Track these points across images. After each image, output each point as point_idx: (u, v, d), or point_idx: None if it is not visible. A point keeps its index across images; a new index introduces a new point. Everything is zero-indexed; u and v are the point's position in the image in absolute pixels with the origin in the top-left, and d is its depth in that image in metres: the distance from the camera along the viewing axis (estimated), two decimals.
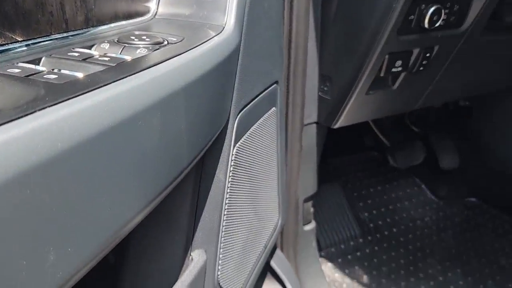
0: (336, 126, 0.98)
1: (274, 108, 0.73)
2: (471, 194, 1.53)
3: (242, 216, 0.60)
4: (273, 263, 0.86)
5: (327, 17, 0.87)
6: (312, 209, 1.10)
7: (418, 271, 1.23)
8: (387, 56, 0.86)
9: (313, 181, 1.06)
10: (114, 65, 0.33)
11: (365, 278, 1.20)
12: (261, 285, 0.84)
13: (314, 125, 1.01)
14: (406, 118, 1.63)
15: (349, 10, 0.84)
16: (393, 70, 0.90)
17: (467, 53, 1.00)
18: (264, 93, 0.66)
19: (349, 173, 1.53)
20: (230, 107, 0.53)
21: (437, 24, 0.85)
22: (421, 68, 0.94)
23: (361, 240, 1.33)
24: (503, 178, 1.49)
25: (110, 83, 0.29)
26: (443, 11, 0.84)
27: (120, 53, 0.37)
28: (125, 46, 0.39)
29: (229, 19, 0.53)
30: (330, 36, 0.89)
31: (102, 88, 0.29)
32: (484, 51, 1.04)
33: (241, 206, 0.59)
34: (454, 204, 1.49)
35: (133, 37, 0.41)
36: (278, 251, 0.90)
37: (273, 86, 0.71)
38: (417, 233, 1.38)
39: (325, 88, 0.96)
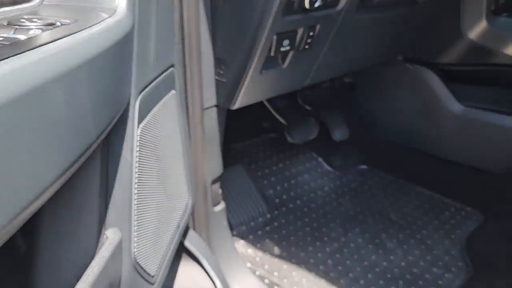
0: (235, 107, 1.02)
1: (173, 91, 0.75)
2: (362, 162, 1.68)
3: (153, 195, 0.62)
4: (187, 244, 0.88)
5: (216, 1, 0.91)
6: (220, 191, 1.13)
7: (323, 236, 1.34)
8: (275, 36, 0.92)
9: (219, 163, 1.10)
10: (8, 43, 0.33)
11: (276, 249, 1.28)
12: (178, 266, 0.86)
13: (215, 108, 1.04)
14: (299, 98, 1.74)
15: None
16: (282, 49, 0.96)
17: (346, 30, 1.10)
18: (162, 75, 0.68)
19: (252, 155, 1.60)
20: (131, 88, 0.54)
21: (316, 5, 0.92)
22: (307, 47, 1.02)
23: (268, 215, 1.41)
24: (386, 144, 1.67)
25: (7, 57, 0.29)
26: None
27: (13, 34, 0.36)
28: (16, 28, 0.38)
29: (121, 2, 0.54)
30: (220, 19, 0.93)
31: None
32: (360, 28, 1.16)
33: (151, 185, 0.61)
34: (348, 172, 1.64)
35: (23, 20, 0.40)
36: (191, 232, 0.92)
37: (170, 70, 0.73)
38: (319, 202, 1.49)
39: (221, 72, 0.99)
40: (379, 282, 1.16)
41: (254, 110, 1.74)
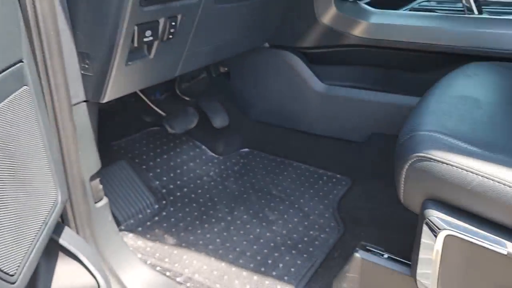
0: (105, 100, 1.03)
1: (26, 87, 0.74)
2: (243, 145, 1.77)
3: (5, 193, 0.61)
4: (63, 241, 0.87)
5: None
6: (100, 186, 1.13)
7: (210, 218, 1.40)
8: (136, 27, 0.94)
9: (95, 158, 1.09)
10: None
11: (166, 237, 1.31)
12: (55, 265, 0.85)
13: (84, 103, 1.03)
14: (177, 90, 1.77)
15: None
16: (145, 39, 0.99)
17: (208, 20, 1.16)
18: (8, 70, 0.67)
19: (135, 150, 1.60)
20: None
21: None
22: (171, 36, 1.05)
23: (156, 206, 1.43)
24: (264, 126, 1.78)
25: None
26: None
27: None
28: None
29: None
30: (80, 13, 0.92)
31: None
32: (222, 17, 1.22)
33: (1, 184, 0.60)
34: (231, 156, 1.72)
35: None
36: (67, 229, 0.91)
37: (18, 65, 0.71)
38: (205, 187, 1.54)
39: (86, 66, 0.99)
40: (264, 251, 1.26)
41: (133, 105, 1.73)
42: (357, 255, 0.98)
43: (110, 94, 1.02)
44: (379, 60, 1.53)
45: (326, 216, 1.40)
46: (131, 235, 1.31)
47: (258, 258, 1.24)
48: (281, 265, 1.21)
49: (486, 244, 0.74)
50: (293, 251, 1.26)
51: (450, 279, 0.80)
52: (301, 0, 1.51)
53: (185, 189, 1.52)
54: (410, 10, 1.59)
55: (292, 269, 1.19)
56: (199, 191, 1.52)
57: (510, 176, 0.73)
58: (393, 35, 1.45)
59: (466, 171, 0.75)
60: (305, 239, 1.31)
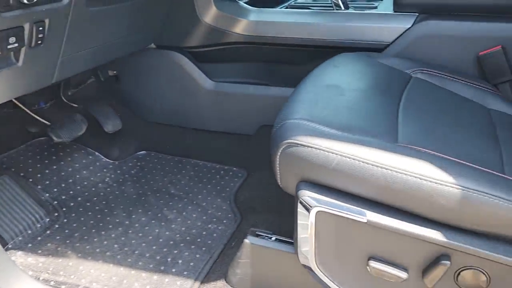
0: None
1: None
2: (139, 148, 1.75)
3: None
4: None
5: None
6: None
7: (107, 224, 1.37)
8: None
9: None
10: None
11: (59, 250, 1.26)
12: None
13: None
14: (63, 97, 1.70)
15: None
16: (10, 47, 0.95)
17: (82, 23, 1.14)
18: None
19: (19, 164, 1.51)
20: None
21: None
22: (40, 42, 1.02)
23: (48, 219, 1.37)
24: (159, 127, 1.78)
25: None
26: None
27: None
28: None
29: None
30: None
31: None
32: (97, 20, 1.20)
33: None
34: (127, 160, 1.69)
35: None
36: None
37: None
38: (101, 194, 1.51)
39: None
40: (163, 250, 1.27)
41: (15, 117, 1.63)
42: (246, 241, 1.04)
43: None
44: (261, 55, 1.61)
45: (224, 208, 1.44)
46: (19, 252, 1.24)
47: (158, 257, 1.24)
48: (180, 261, 1.23)
49: (349, 215, 0.83)
50: (192, 246, 1.28)
51: (326, 250, 0.89)
52: (182, 1, 1.53)
53: (79, 198, 1.47)
54: (286, 8, 1.68)
55: (191, 264, 1.22)
56: (95, 198, 1.49)
57: (364, 154, 0.82)
58: (271, 32, 1.53)
59: (328, 152, 0.83)
60: (204, 233, 1.34)
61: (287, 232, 1.08)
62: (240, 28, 1.55)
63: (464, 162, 0.83)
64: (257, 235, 1.06)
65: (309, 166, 0.85)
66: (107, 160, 1.67)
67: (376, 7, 1.61)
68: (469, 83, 1.26)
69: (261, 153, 1.64)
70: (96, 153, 1.66)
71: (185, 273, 1.19)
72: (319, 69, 1.22)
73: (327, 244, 0.88)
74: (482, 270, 0.78)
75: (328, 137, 0.86)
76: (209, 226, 1.37)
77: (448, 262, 0.79)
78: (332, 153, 0.83)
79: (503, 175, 0.82)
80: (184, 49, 1.64)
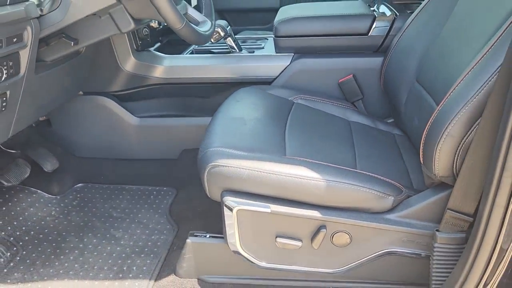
0: None
1: None
2: (77, 181, 2.00)
3: None
4: None
5: None
6: None
7: (64, 250, 1.62)
8: None
9: None
10: None
11: (26, 277, 1.49)
12: None
13: None
14: (0, 146, 1.90)
15: None
16: None
17: (33, 87, 1.40)
18: None
19: None
20: None
21: (3, 79, 1.20)
22: (4, 109, 1.28)
23: (8, 253, 1.58)
24: (93, 161, 2.04)
25: None
26: (3, 69, 1.20)
27: None
28: None
29: None
30: None
31: None
32: (43, 83, 1.47)
33: None
34: (67, 194, 1.93)
35: None
36: None
37: None
38: (51, 225, 1.74)
39: None
40: (118, 262, 1.56)
41: None
42: (188, 240, 1.39)
43: None
44: (177, 92, 1.96)
45: (162, 222, 1.77)
46: None
47: (115, 268, 1.53)
48: (134, 268, 1.53)
49: (259, 209, 1.22)
50: (142, 255, 1.59)
51: (246, 237, 1.27)
52: (105, 54, 1.83)
53: (32, 232, 1.70)
54: (192, 53, 2.05)
55: (144, 268, 1.53)
56: (46, 230, 1.72)
57: (264, 166, 1.21)
58: (183, 74, 1.89)
59: (240, 168, 1.21)
60: (149, 243, 1.65)
61: (215, 229, 1.44)
62: (157, 72, 1.88)
63: (327, 164, 1.26)
64: (196, 236, 1.41)
65: (228, 180, 1.23)
66: (50, 195, 1.89)
67: (263, 47, 2.05)
68: (335, 104, 1.74)
69: (185, 173, 1.99)
70: (38, 191, 1.88)
71: (140, 275, 1.50)
72: (226, 104, 1.61)
73: (247, 232, 1.26)
74: (346, 232, 1.22)
75: (239, 157, 1.24)
76: (153, 237, 1.68)
77: (325, 230, 1.21)
78: (243, 168, 1.21)
79: (354, 169, 1.27)
80: (109, 93, 1.93)
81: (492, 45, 1.07)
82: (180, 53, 2.02)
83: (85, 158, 2.03)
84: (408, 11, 1.81)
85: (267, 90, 1.76)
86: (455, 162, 1.10)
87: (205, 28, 1.47)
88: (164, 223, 1.76)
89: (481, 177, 1.05)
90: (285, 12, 1.94)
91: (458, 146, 1.08)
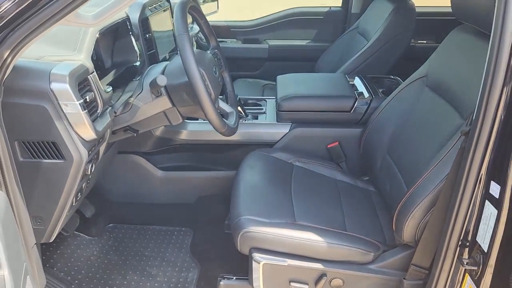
0: None
1: None
2: (108, 222, 2.39)
3: None
4: None
5: None
6: None
7: (112, 286, 2.02)
8: None
9: None
10: None
11: None
12: None
13: None
14: None
15: None
16: None
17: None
18: None
19: None
20: None
21: (93, 167, 1.60)
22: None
23: None
24: (122, 206, 2.43)
25: None
26: (93, 158, 1.61)
27: None
28: None
29: None
30: None
31: None
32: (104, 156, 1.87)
33: None
34: (102, 234, 2.32)
35: None
36: None
37: None
38: (95, 264, 2.14)
39: None
40: None
41: None
42: (221, 282, 1.84)
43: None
44: (196, 149, 2.39)
45: (187, 260, 2.20)
46: None
47: None
48: None
49: (279, 263, 1.69)
50: None
51: (268, 283, 1.73)
52: None
53: (83, 271, 2.09)
54: None
55: None
56: (93, 269, 2.11)
57: (284, 232, 1.68)
58: (202, 136, 2.32)
59: (265, 234, 1.67)
60: (180, 279, 2.08)
61: (237, 269, 1.89)
62: (182, 135, 2.31)
63: (327, 228, 1.74)
64: (225, 278, 1.86)
65: (256, 241, 1.69)
66: (90, 237, 2.28)
67: (264, 112, 2.50)
68: (325, 165, 2.22)
69: (202, 215, 2.43)
70: (81, 234, 2.27)
71: None
72: (243, 171, 2.05)
73: (269, 278, 1.72)
74: (340, 278, 1.71)
75: (263, 225, 1.70)
76: (182, 274, 2.11)
77: (325, 277, 1.69)
78: (268, 234, 1.67)
79: (345, 232, 1.76)
80: (139, 152, 2.34)
81: (444, 156, 1.58)
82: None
83: (116, 202, 2.43)
84: (381, 95, 2.31)
85: (271, 153, 2.22)
86: (416, 233, 1.60)
87: (232, 119, 1.91)
88: (189, 261, 2.20)
89: (435, 243, 1.56)
90: (283, 84, 2.41)
91: (419, 224, 1.58)
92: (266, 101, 2.64)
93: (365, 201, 2.07)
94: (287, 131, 2.30)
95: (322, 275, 1.71)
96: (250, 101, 2.65)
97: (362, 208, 2.00)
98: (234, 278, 1.87)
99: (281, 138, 2.31)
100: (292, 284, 1.73)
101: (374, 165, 2.10)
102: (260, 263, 1.69)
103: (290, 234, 1.68)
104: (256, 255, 1.69)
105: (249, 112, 2.46)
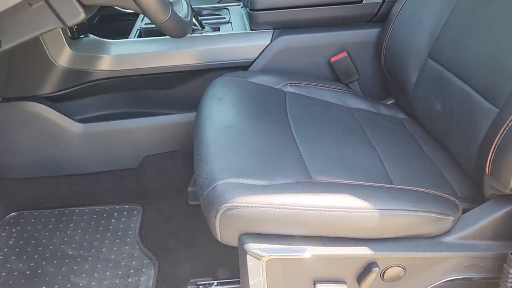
0: None
1: None
2: (8, 210, 1.56)
3: None
4: None
5: None
6: None
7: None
8: None
9: None
10: None
11: None
12: None
13: None
14: None
15: None
16: None
17: None
18: None
19: None
20: None
21: None
22: None
23: None
24: (26, 183, 1.59)
25: None
26: None
27: None
28: None
29: None
30: None
31: None
32: None
33: None
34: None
35: None
36: None
37: None
38: None
39: None
40: None
41: None
42: None
43: None
44: (132, 85, 1.55)
45: (136, 255, 1.42)
46: None
47: None
48: None
49: (294, 255, 0.94)
50: None
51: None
52: (29, 46, 1.35)
53: None
54: (140, 34, 1.62)
55: None
56: None
57: (296, 200, 0.92)
58: (135, 63, 1.47)
59: (267, 207, 0.91)
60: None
61: (216, 265, 1.14)
62: (103, 64, 1.45)
63: (364, 183, 1.00)
64: (199, 285, 1.10)
65: (251, 223, 0.92)
66: None
67: (229, 21, 1.67)
68: (329, 88, 1.46)
69: (149, 184, 1.63)
70: None
71: None
72: (206, 106, 1.26)
73: (277, 283, 0.98)
74: (400, 265, 0.99)
75: (261, 192, 0.93)
76: (130, 280, 1.34)
77: (377, 268, 0.97)
78: (272, 207, 0.91)
79: (397, 186, 1.03)
80: (39, 97, 1.47)
81: None
82: (124, 36, 1.59)
83: (15, 180, 1.58)
84: None
85: (247, 78, 1.42)
86: None
87: (180, 7, 1.08)
88: (139, 257, 1.41)
89: None
90: None
91: None
92: (228, 9, 1.81)
93: (401, 135, 1.34)
94: (268, 42, 1.50)
95: (370, 265, 0.98)
96: (205, 12, 1.81)
97: (401, 145, 1.27)
98: (215, 283, 1.11)
99: (259, 55, 1.51)
100: (319, 286, 0.99)
101: (406, 81, 1.37)
102: (261, 260, 0.94)
103: (307, 202, 0.93)
104: (254, 247, 0.94)
105: (206, 24, 1.63)
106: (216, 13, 1.79)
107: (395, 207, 0.95)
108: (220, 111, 1.22)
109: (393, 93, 1.53)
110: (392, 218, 0.94)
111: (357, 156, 1.13)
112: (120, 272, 1.36)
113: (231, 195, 0.92)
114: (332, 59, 1.51)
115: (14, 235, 1.48)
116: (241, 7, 1.78)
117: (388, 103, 1.55)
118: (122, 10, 1.72)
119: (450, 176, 1.16)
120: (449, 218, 0.98)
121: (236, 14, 1.72)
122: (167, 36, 1.49)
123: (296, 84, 1.43)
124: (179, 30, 0.95)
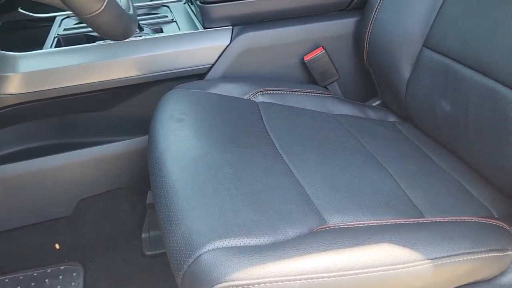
0: None
1: None
2: None
3: None
4: None
5: None
6: None
7: None
8: None
9: None
10: None
11: None
12: None
13: None
14: None
15: None
16: None
17: None
18: None
19: None
20: None
21: None
22: None
23: None
24: None
25: None
26: None
27: None
28: None
29: None
30: None
31: None
32: None
33: None
34: None
35: None
36: None
37: None
38: None
39: None
40: None
41: None
42: None
43: None
44: (52, 109, 1.18)
45: None
46: None
47: None
48: None
49: None
50: None
51: None
52: None
53: None
54: (59, 42, 1.24)
55: None
56: None
57: (319, 265, 0.64)
58: (55, 81, 1.10)
59: (284, 281, 0.62)
60: None
61: None
62: (8, 87, 1.07)
63: (394, 221, 0.74)
64: None
65: None
66: None
67: (173, 20, 1.34)
68: (307, 93, 1.20)
69: (89, 235, 1.27)
70: None
71: None
72: (163, 130, 0.94)
73: None
74: None
75: (268, 256, 0.64)
76: None
77: None
78: (290, 279, 0.62)
79: (425, 219, 0.78)
80: None
81: None
82: (37, 47, 1.20)
83: None
84: None
85: (206, 89, 1.12)
86: None
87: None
88: None
89: None
90: None
91: None
92: (168, 6, 1.48)
93: (402, 143, 1.11)
94: (227, 42, 1.20)
95: None
96: (140, 11, 1.47)
97: (407, 158, 1.04)
98: None
99: (218, 59, 1.21)
100: None
101: (397, 78, 1.14)
102: None
103: (336, 263, 0.65)
104: None
105: (144, 25, 1.30)
106: (154, 12, 1.46)
107: (451, 252, 0.69)
108: (183, 138, 0.91)
109: (379, 93, 1.29)
110: (449, 268, 0.69)
111: (370, 180, 0.87)
112: None
113: (226, 270, 0.62)
114: (306, 58, 1.24)
115: None
116: (184, 3, 1.46)
117: (374, 104, 1.32)
118: (30, 14, 1.33)
119: (477, 193, 0.93)
120: (509, 253, 0.75)
121: (179, 12, 1.41)
122: (95, 43, 1.17)
123: (268, 92, 1.15)
124: (121, 26, 0.63)
